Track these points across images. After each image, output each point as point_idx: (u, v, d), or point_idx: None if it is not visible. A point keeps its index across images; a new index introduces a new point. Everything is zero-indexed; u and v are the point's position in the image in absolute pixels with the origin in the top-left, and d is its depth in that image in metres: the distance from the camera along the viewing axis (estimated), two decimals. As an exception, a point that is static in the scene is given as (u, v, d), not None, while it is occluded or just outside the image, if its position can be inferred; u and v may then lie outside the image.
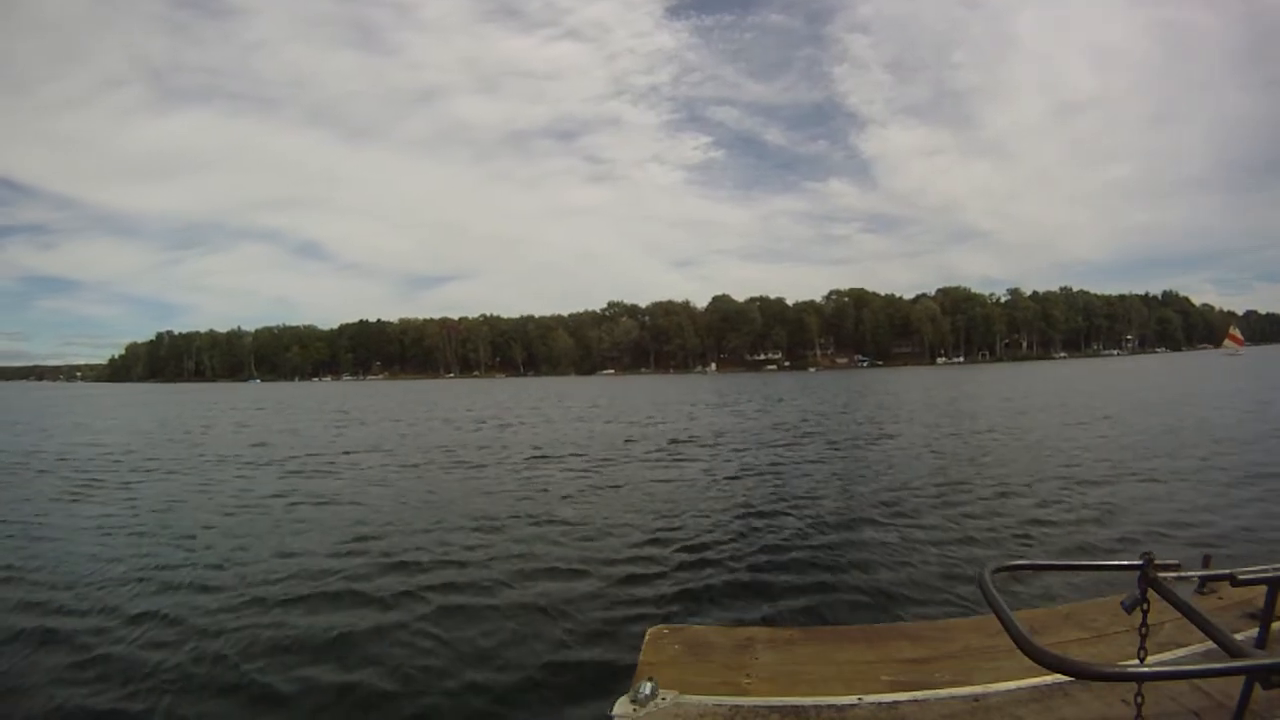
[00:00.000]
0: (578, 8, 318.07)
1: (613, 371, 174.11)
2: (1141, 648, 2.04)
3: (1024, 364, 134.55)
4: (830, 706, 2.45)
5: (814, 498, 11.37)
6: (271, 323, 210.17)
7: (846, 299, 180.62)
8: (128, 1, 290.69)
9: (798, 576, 7.39)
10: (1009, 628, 1.72)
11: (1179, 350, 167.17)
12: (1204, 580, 2.62)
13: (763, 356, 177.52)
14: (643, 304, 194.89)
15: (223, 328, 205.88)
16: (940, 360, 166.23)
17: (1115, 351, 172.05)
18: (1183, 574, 2.02)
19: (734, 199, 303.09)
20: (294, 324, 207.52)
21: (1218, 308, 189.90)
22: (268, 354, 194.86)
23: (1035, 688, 2.49)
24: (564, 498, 11.98)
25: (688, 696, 2.50)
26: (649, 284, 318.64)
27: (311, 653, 5.69)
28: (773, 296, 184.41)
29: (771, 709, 2.44)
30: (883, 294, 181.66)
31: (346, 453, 19.56)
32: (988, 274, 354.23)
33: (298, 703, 4.93)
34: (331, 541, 9.20)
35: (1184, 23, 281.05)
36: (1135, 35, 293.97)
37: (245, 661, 5.51)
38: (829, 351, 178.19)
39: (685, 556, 8.18)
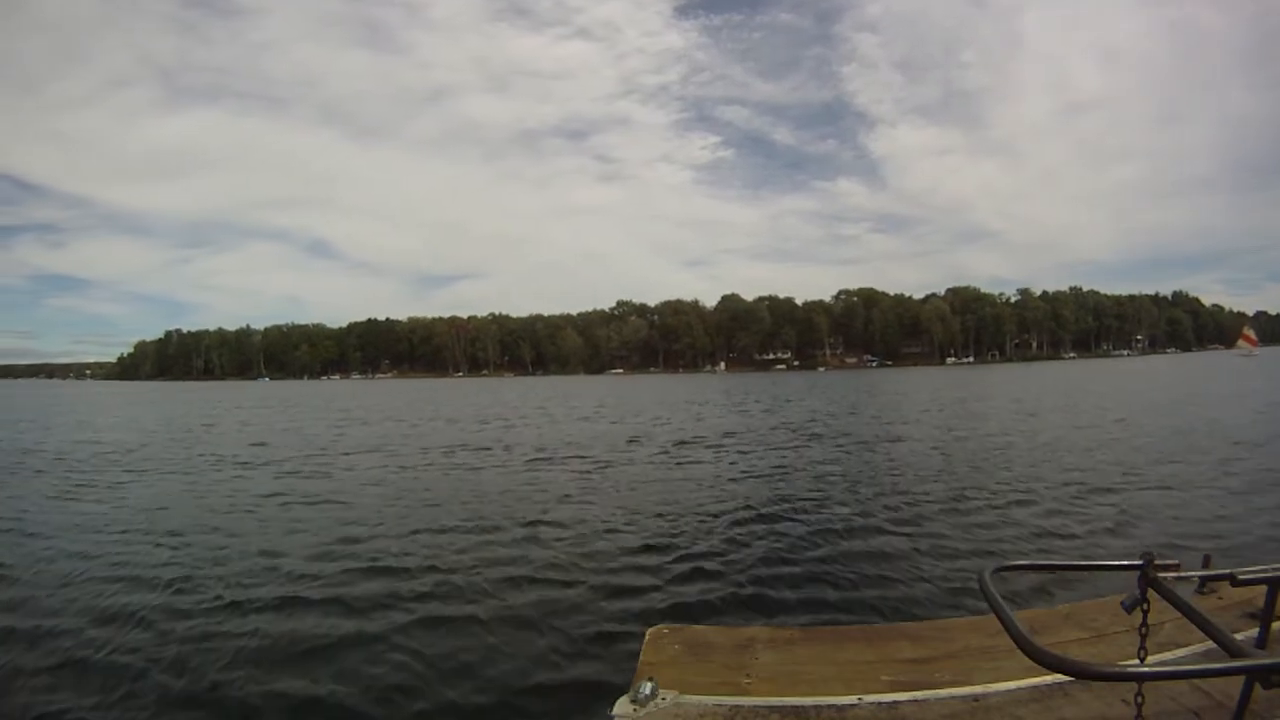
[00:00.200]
0: (587, 7, 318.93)
1: (621, 371, 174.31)
2: (1141, 648, 2.04)
3: (1034, 364, 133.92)
4: (830, 706, 2.46)
5: (816, 499, 11.33)
6: (281, 321, 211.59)
7: (856, 299, 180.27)
8: (135, 1, 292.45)
9: (798, 577, 7.38)
10: (1009, 628, 1.72)
11: (1189, 351, 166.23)
12: (1204, 580, 2.62)
13: (772, 356, 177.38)
14: (652, 303, 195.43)
15: (232, 326, 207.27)
16: (950, 360, 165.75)
17: (1125, 352, 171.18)
18: (1183, 574, 2.01)
19: (743, 198, 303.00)
20: (303, 322, 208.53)
21: (1227, 308, 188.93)
22: (276, 352, 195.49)
23: (1035, 688, 2.48)
24: (564, 498, 11.93)
25: (688, 696, 2.50)
26: (658, 283, 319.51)
27: (287, 661, 5.57)
28: (782, 296, 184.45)
29: (771, 709, 2.44)
30: (892, 294, 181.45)
31: (346, 454, 19.39)
32: (997, 274, 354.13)
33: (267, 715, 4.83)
34: (317, 543, 9.04)
35: (1191, 22, 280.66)
36: (1142, 35, 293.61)
37: (213, 670, 5.38)
38: (838, 351, 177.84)
39: (686, 557, 8.17)
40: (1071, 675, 1.60)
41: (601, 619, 6.32)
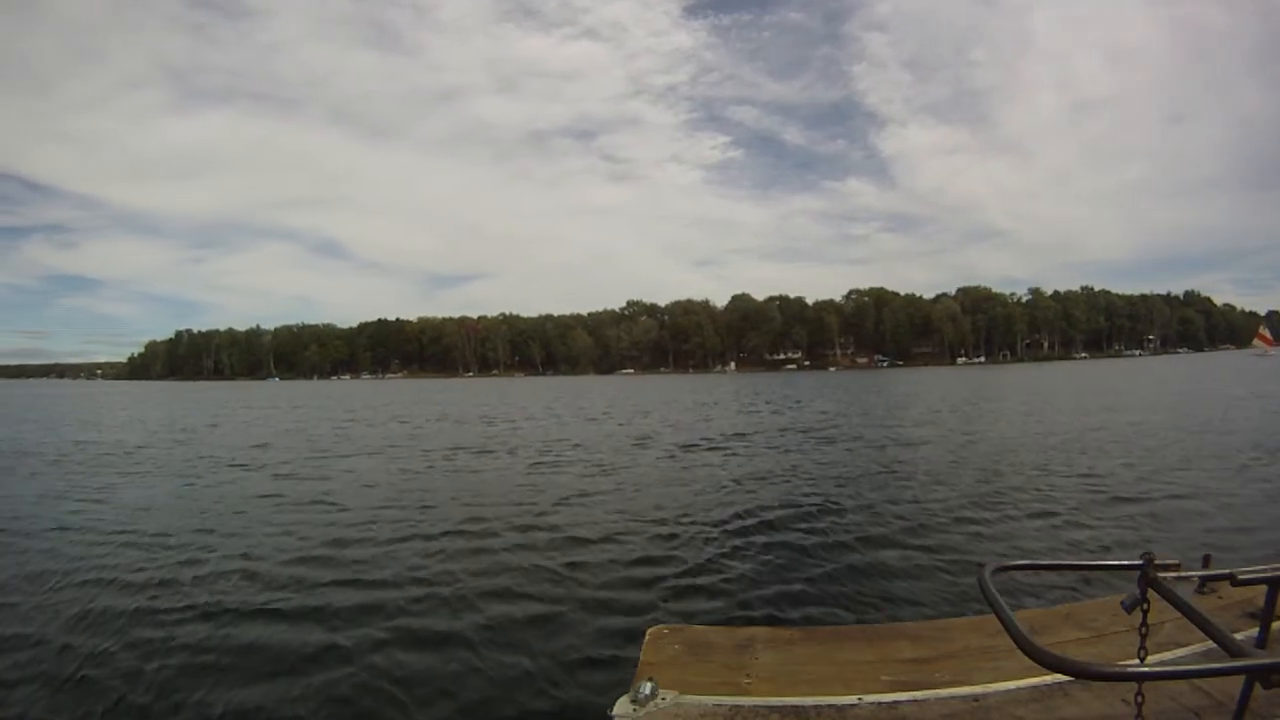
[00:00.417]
0: (594, 7, 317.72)
1: (632, 371, 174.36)
2: (1141, 647, 2.04)
3: (1046, 364, 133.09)
4: (830, 706, 2.46)
5: (818, 500, 11.28)
6: (291, 321, 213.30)
7: (866, 298, 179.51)
8: (146, 3, 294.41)
9: (799, 577, 7.37)
10: (1009, 628, 1.72)
11: (1201, 351, 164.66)
12: (1204, 580, 2.60)
13: (782, 356, 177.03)
14: (662, 303, 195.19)
15: (242, 326, 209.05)
16: (961, 360, 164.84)
17: (1138, 352, 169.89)
18: (1183, 574, 2.01)
19: (752, 198, 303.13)
20: (313, 323, 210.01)
21: (1239, 307, 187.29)
22: (286, 352, 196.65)
23: (1035, 687, 2.48)
24: (567, 500, 11.89)
25: (688, 696, 2.51)
26: (668, 283, 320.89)
27: (258, 673, 5.39)
28: (792, 296, 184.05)
29: (771, 709, 2.45)
30: (902, 293, 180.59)
31: (346, 456, 19.21)
32: (1008, 273, 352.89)
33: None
34: (303, 548, 8.93)
35: (1199, 20, 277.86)
36: (1151, 33, 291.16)
37: (174, 683, 5.19)
38: (849, 351, 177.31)
39: (687, 557, 8.18)
40: (1071, 675, 1.60)
41: (602, 619, 6.33)
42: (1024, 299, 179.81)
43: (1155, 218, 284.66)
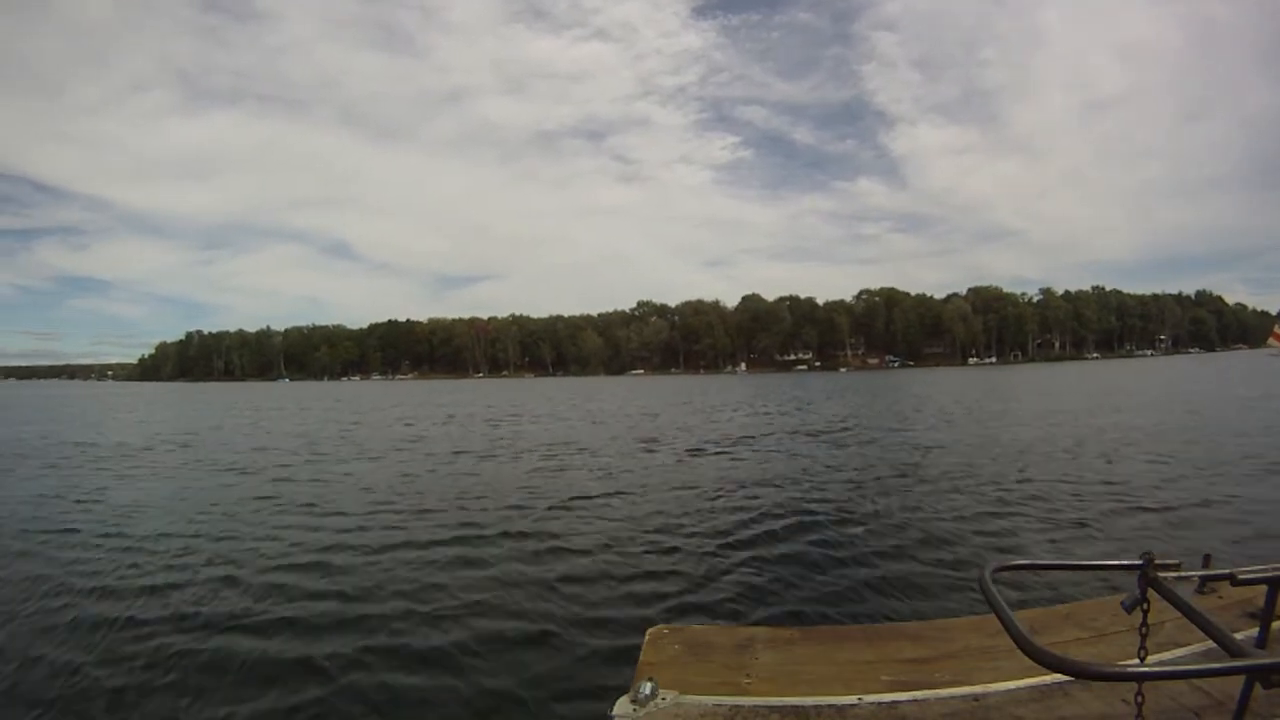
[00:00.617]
0: (604, 8, 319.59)
1: (642, 371, 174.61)
2: (1142, 647, 2.03)
3: (1058, 364, 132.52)
4: (830, 706, 2.45)
5: (820, 501, 11.27)
6: (301, 322, 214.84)
7: (877, 298, 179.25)
8: (155, 5, 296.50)
9: (799, 577, 7.38)
10: (1009, 628, 1.71)
11: (1213, 350, 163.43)
12: (1204, 580, 2.60)
13: (793, 356, 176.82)
14: (672, 303, 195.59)
15: (252, 327, 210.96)
16: (972, 360, 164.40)
17: (1149, 352, 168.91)
18: (1183, 574, 2.00)
19: (762, 199, 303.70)
20: (323, 323, 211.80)
21: (1251, 307, 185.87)
22: (297, 353, 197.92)
23: (1035, 687, 2.47)
24: (569, 500, 11.89)
25: (688, 696, 2.50)
26: (678, 284, 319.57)
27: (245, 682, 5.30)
28: (802, 296, 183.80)
29: (771, 709, 2.44)
30: (913, 294, 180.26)
31: (347, 458, 19.07)
32: (1019, 273, 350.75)
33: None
34: (292, 553, 8.85)
35: (1210, 18, 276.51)
36: (1162, 31, 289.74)
37: (146, 695, 5.10)
38: (860, 351, 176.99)
39: (687, 558, 8.20)
40: (1071, 675, 1.59)
41: (601, 619, 6.34)
42: (1035, 299, 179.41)
43: (1166, 217, 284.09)
